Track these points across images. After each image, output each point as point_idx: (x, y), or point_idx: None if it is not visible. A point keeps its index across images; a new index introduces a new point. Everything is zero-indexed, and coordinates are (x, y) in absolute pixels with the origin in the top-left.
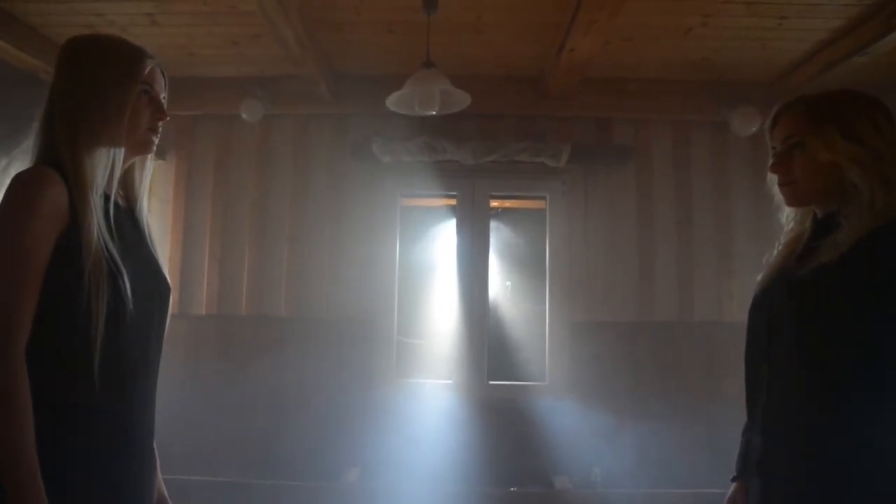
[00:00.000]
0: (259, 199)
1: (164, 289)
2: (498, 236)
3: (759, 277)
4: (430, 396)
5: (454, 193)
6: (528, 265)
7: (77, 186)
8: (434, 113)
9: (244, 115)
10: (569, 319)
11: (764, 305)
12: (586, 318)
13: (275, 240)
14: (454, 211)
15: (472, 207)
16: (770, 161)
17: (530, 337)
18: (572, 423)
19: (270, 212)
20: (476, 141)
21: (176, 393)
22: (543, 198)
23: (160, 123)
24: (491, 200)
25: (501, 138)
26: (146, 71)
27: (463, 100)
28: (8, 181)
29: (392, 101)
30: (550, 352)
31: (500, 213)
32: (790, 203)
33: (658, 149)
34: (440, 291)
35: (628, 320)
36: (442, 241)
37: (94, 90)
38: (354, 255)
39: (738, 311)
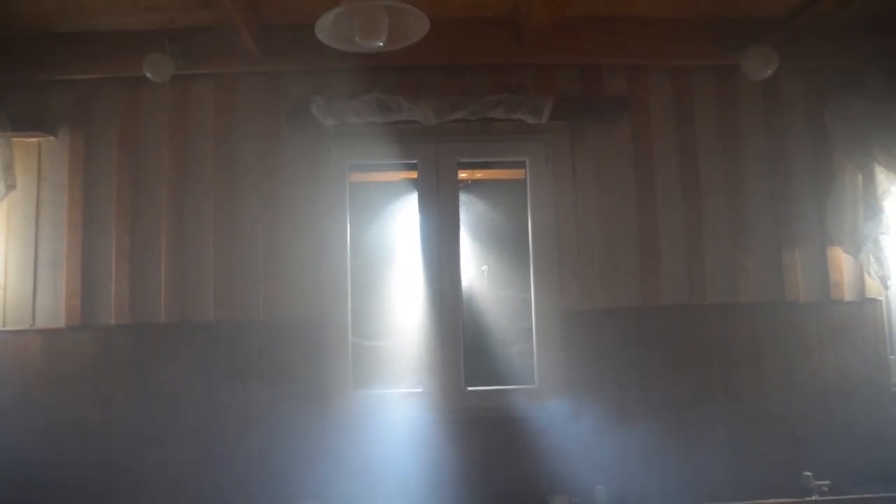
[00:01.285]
0: (176, 180)
1: None
2: (470, 212)
3: None
4: (395, 409)
5: (414, 162)
6: (507, 245)
7: None
8: (381, 44)
9: (149, 74)
10: (559, 308)
11: None
12: (580, 306)
13: (198, 229)
14: (415, 185)
15: (437, 179)
16: None
17: (514, 331)
18: (569, 431)
19: (191, 195)
20: (439, 96)
21: (81, 421)
22: (522, 164)
23: None
24: (460, 171)
25: (469, 92)
26: None
27: (419, 26)
28: None
29: (323, 30)
30: (539, 348)
31: (472, 186)
32: None
33: (657, 101)
34: (403, 282)
35: (630, 306)
36: (402, 222)
37: None
38: (296, 242)
39: (756, 290)
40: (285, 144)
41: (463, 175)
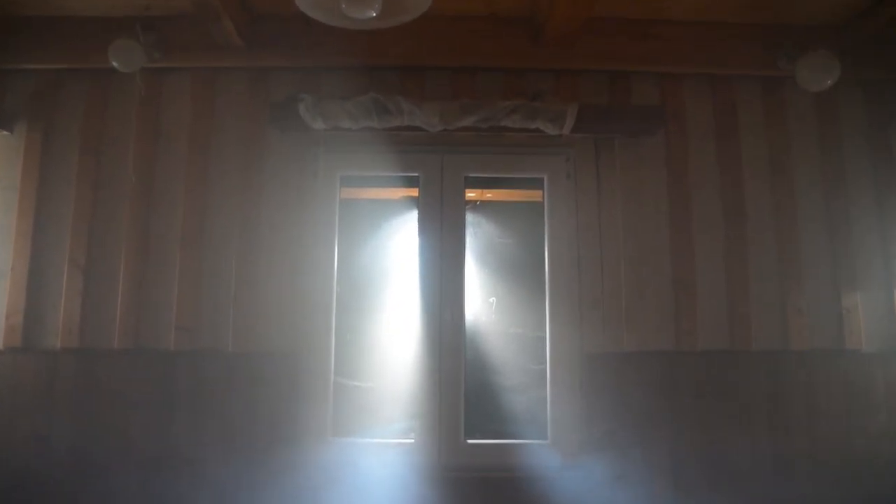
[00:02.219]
0: (142, 186)
1: None
2: (477, 236)
3: None
4: (381, 462)
5: (416, 175)
6: (519, 275)
7: None
8: (373, 15)
9: (115, 63)
10: (579, 350)
11: None
12: (603, 349)
13: (163, 243)
14: (416, 203)
15: (441, 195)
16: None
17: (525, 376)
18: (587, 498)
19: (158, 203)
20: (446, 100)
21: (20, 458)
22: (539, 181)
23: None
24: (467, 191)
25: (482, 97)
26: None
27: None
28: None
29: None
30: (554, 397)
31: (480, 207)
32: None
33: (694, 113)
34: (397, 314)
35: (662, 350)
36: (399, 245)
37: None
38: (275, 264)
39: (811, 336)
40: (268, 150)
41: (471, 196)
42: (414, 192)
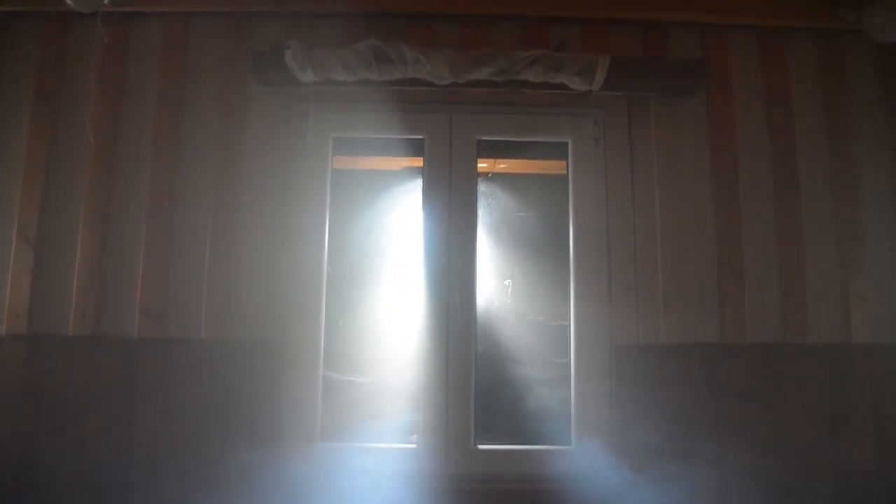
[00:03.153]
0: (104, 148)
1: None
2: (491, 209)
3: None
4: (379, 470)
5: (420, 138)
6: (539, 255)
7: None
8: None
9: (71, 3)
10: (608, 342)
11: None
12: (636, 340)
13: (126, 213)
14: (420, 173)
15: (450, 161)
16: None
17: (546, 371)
18: None
19: (121, 168)
20: (457, 48)
21: None
22: (562, 148)
23: None
24: (479, 162)
25: (498, 46)
26: None
27: None
28: None
29: None
30: (579, 395)
31: (493, 178)
32: None
33: (741, 69)
34: (397, 299)
35: (704, 342)
36: (400, 219)
37: None
38: (256, 239)
39: (874, 327)
40: (250, 108)
41: (482, 166)
42: (418, 162)
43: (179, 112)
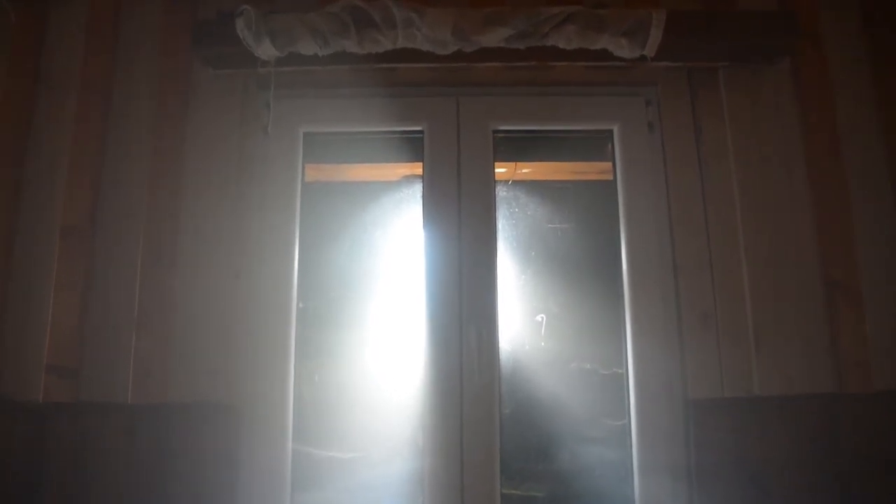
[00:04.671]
0: (9, 141)
1: None
2: (515, 221)
3: None
4: None
5: (418, 129)
6: (582, 279)
7: None
8: None
9: None
10: (681, 396)
11: None
12: (721, 393)
13: (34, 234)
14: (423, 182)
15: (458, 159)
16: None
17: (595, 433)
18: None
19: (31, 173)
20: (462, 5)
21: None
22: (605, 141)
23: None
24: (497, 165)
25: (518, 1)
26: None
27: None
28: None
29: None
30: (644, 471)
31: (516, 186)
32: None
33: (837, 28)
34: (392, 346)
35: (816, 392)
36: (396, 240)
37: None
38: (202, 267)
39: None
40: (195, 96)
41: (500, 171)
42: (417, 169)
43: (106, 105)
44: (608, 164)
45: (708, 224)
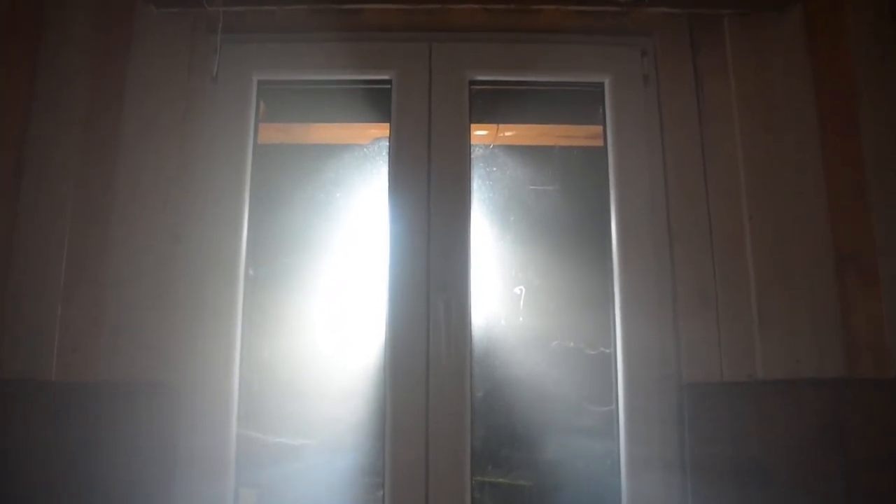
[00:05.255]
0: None
1: None
2: (492, 183)
3: None
4: None
5: (385, 78)
6: (567, 248)
7: None
8: None
9: None
10: (675, 379)
11: None
12: (720, 377)
13: None
14: (389, 136)
15: (429, 112)
16: None
17: (578, 421)
18: None
19: None
20: None
21: None
22: (593, 95)
23: None
24: (474, 128)
25: None
26: None
27: None
28: None
29: None
30: (631, 459)
31: (497, 151)
32: None
33: None
34: (351, 319)
35: (826, 378)
36: (359, 205)
37: None
38: (137, 230)
39: None
40: (135, 38)
41: (480, 134)
42: (382, 130)
43: (31, 51)
44: (598, 129)
45: (708, 189)
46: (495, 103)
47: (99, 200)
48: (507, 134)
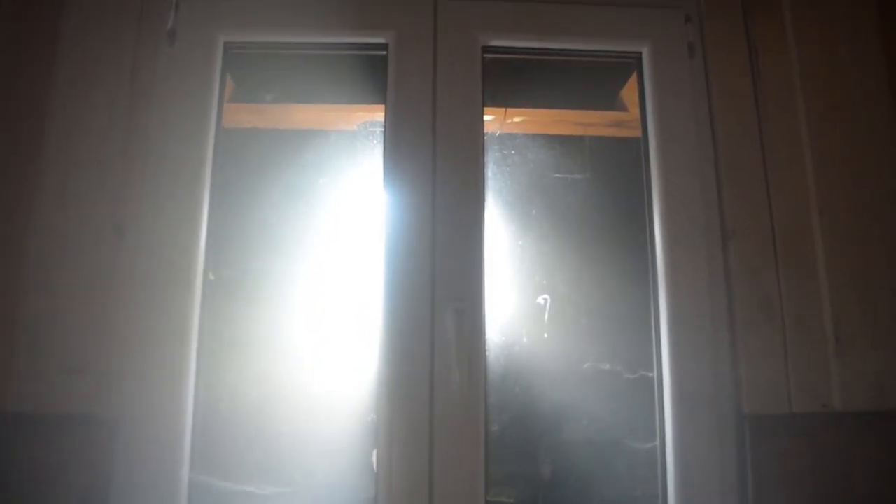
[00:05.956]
0: None
1: None
2: (510, 169)
3: None
4: None
5: (381, 42)
6: (601, 248)
7: None
8: None
9: None
10: (732, 409)
11: None
12: (788, 407)
13: None
14: (385, 114)
15: (434, 85)
16: None
17: (618, 466)
18: None
19: None
20: None
21: None
22: (628, 64)
23: None
24: (488, 110)
25: None
26: None
27: None
28: None
29: None
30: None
31: (515, 139)
32: None
33: None
34: (336, 333)
35: None
36: (347, 196)
37: None
38: (69, 218)
39: None
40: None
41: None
42: (376, 111)
43: None
44: (622, 115)
45: (768, 178)
46: (506, 81)
47: (22, 183)
48: (516, 120)
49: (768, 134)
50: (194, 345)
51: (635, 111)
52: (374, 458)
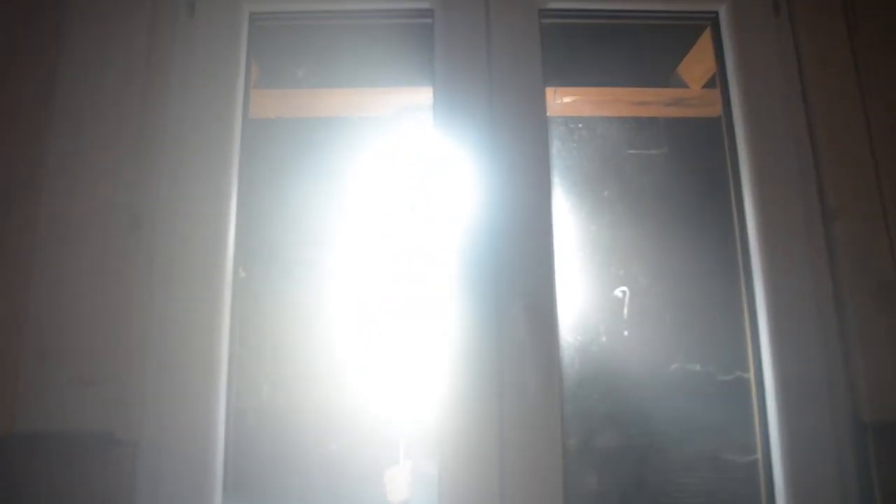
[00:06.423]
0: None
1: None
2: (576, 150)
3: None
4: None
5: (424, 10)
6: (685, 232)
7: None
8: None
9: None
10: (849, 414)
11: None
12: None
13: None
14: (433, 87)
15: (488, 56)
16: None
17: (712, 479)
18: None
19: None
20: None
21: None
22: (697, 24)
23: None
24: (549, 89)
25: None
26: None
27: None
28: None
29: None
30: None
31: (579, 122)
32: None
33: None
34: (386, 334)
35: None
36: (394, 180)
37: None
38: (80, 211)
39: None
40: None
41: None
42: (424, 94)
43: None
44: (683, 92)
45: (874, 147)
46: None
47: (26, 172)
48: (566, 100)
49: (870, 100)
50: (225, 351)
51: (696, 87)
52: (387, 479)
